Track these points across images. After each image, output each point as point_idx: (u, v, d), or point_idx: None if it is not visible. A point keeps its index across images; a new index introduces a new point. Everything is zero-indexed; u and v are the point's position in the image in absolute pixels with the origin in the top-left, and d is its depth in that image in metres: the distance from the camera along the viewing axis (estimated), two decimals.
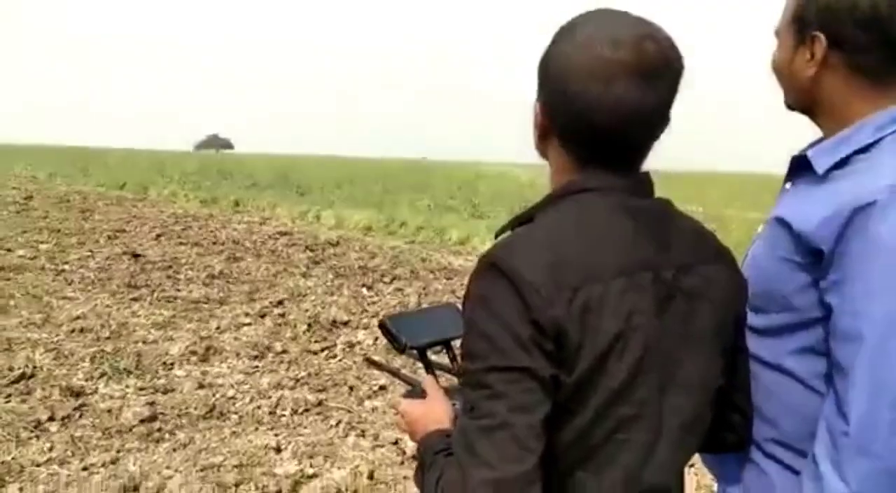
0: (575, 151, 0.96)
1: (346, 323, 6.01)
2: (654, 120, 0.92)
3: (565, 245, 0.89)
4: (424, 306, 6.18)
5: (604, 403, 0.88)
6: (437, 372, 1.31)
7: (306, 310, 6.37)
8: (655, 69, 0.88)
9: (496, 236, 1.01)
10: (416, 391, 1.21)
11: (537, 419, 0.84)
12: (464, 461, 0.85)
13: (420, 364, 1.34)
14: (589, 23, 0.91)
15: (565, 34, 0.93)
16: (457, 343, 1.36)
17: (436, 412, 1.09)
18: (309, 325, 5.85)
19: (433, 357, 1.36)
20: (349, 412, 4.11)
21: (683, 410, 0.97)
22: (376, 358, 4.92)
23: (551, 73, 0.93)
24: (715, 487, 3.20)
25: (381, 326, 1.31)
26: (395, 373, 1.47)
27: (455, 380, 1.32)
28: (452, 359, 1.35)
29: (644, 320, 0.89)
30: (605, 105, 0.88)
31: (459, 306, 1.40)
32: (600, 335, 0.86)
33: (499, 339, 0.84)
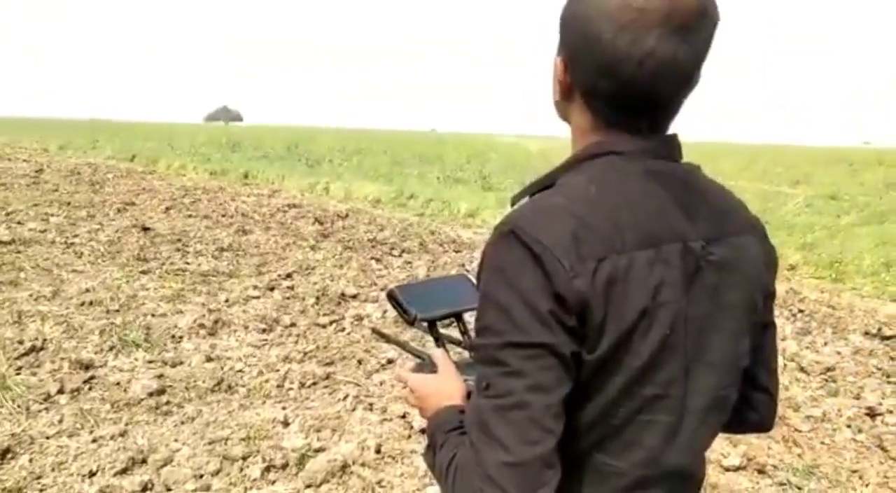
0: (599, 110, 0.90)
1: (354, 296, 6.00)
2: (687, 75, 0.85)
3: (589, 212, 0.83)
4: (436, 275, 6.13)
5: (627, 382, 0.84)
6: (448, 346, 1.27)
7: (315, 283, 6.37)
8: (690, 20, 0.81)
9: (513, 203, 0.95)
10: (425, 365, 1.16)
11: (556, 398, 0.80)
12: (478, 441, 0.81)
13: (428, 337, 1.29)
14: None
15: None
16: (468, 316, 1.32)
17: (447, 387, 1.04)
18: (317, 298, 5.85)
19: (442, 330, 1.32)
20: (357, 385, 4.11)
21: (709, 389, 0.92)
22: (384, 330, 4.91)
23: (575, 24, 0.86)
24: (726, 461, 3.18)
25: (390, 296, 1.26)
26: (403, 346, 1.43)
27: (466, 354, 1.28)
28: (464, 332, 1.31)
29: (671, 294, 0.84)
30: (634, 58, 0.81)
31: (472, 277, 1.36)
32: (626, 310, 0.81)
33: (517, 312, 0.79)
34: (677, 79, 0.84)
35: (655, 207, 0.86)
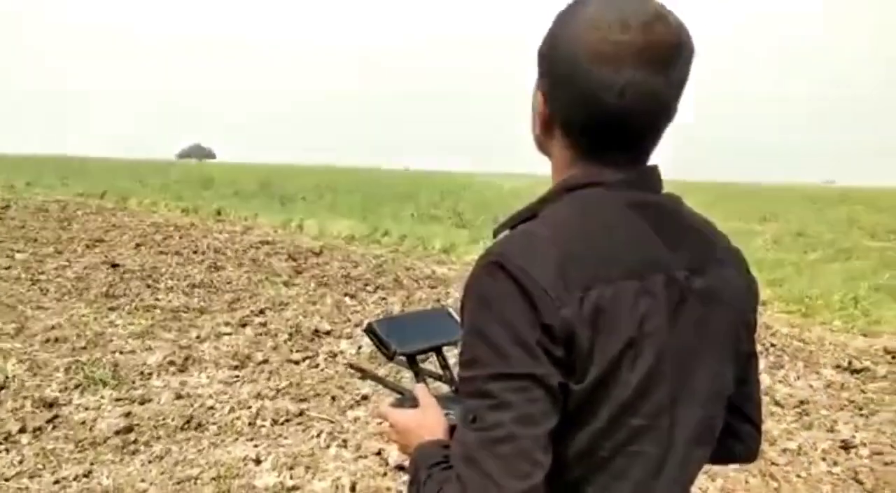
0: (579, 142, 0.90)
1: (328, 332, 5.93)
2: (665, 106, 0.86)
3: (573, 243, 0.82)
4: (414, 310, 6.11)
5: (614, 413, 0.82)
6: (427, 380, 1.25)
7: (288, 319, 6.28)
8: (667, 52, 0.82)
9: (495, 235, 0.94)
10: (405, 400, 1.13)
11: (544, 430, 0.78)
12: (465, 475, 0.78)
13: (405, 372, 1.26)
14: (592, 3, 0.85)
15: (568, 16, 0.87)
16: (448, 350, 1.30)
17: (429, 421, 1.01)
18: (290, 334, 5.76)
19: (421, 365, 1.30)
20: (331, 422, 4.03)
21: (695, 420, 0.91)
22: (360, 365, 4.85)
23: (555, 57, 0.87)
24: None
25: (369, 330, 1.23)
26: (381, 381, 1.40)
27: (445, 388, 1.26)
28: (443, 366, 1.28)
29: (657, 325, 0.83)
30: (613, 89, 0.82)
31: (450, 310, 1.34)
32: (612, 341, 0.80)
33: (503, 344, 0.78)
34: (656, 110, 0.85)
35: (638, 238, 0.86)
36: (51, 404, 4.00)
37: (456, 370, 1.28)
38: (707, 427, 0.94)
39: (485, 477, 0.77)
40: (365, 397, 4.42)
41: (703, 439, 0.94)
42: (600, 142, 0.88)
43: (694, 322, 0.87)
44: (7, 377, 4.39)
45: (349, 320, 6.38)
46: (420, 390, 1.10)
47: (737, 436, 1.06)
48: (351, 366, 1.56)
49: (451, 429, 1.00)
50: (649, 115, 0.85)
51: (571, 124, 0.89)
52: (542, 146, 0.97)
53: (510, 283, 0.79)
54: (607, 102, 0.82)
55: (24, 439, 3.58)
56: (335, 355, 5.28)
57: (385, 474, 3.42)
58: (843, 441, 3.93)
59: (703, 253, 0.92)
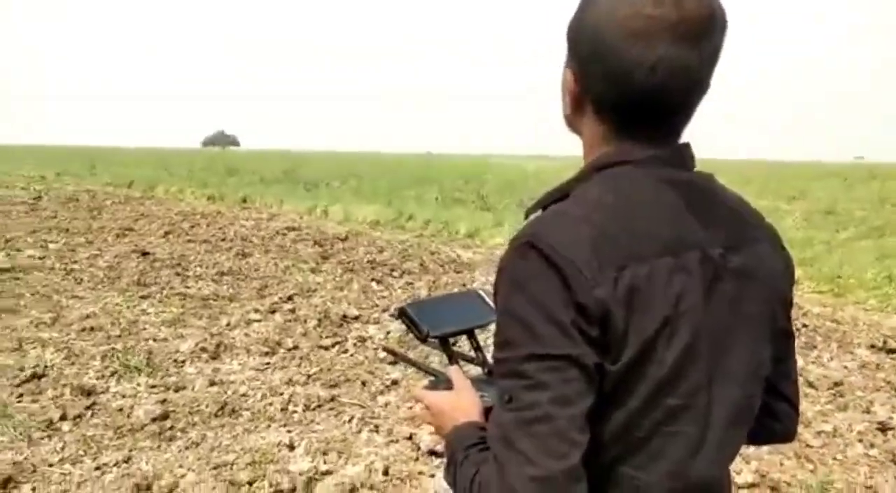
0: (611, 120, 0.89)
1: (356, 318, 5.97)
2: (698, 81, 0.84)
3: (606, 222, 0.81)
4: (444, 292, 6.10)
5: (651, 393, 0.82)
6: (460, 362, 1.25)
7: (316, 305, 6.33)
8: (700, 26, 0.81)
9: (526, 216, 0.94)
10: (439, 382, 1.14)
11: (580, 410, 0.78)
12: (502, 456, 0.79)
13: (438, 353, 1.27)
14: None
15: None
16: (480, 332, 1.30)
17: (464, 403, 1.02)
18: (319, 320, 5.81)
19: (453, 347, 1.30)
20: (362, 407, 4.07)
21: (732, 399, 0.90)
22: (394, 348, 4.89)
23: (585, 34, 0.86)
24: (739, 478, 3.15)
25: (402, 313, 1.24)
26: (415, 363, 1.40)
27: (477, 370, 1.27)
28: (476, 348, 1.29)
29: (692, 303, 0.82)
30: (645, 65, 0.81)
31: (481, 292, 1.34)
32: (648, 319, 0.79)
33: (538, 325, 0.78)
34: (689, 85, 0.84)
35: (672, 216, 0.85)
36: (89, 392, 4.09)
37: (488, 353, 1.28)
38: (745, 407, 0.93)
39: (521, 457, 0.77)
40: (395, 383, 4.45)
41: (741, 418, 0.93)
42: (632, 119, 0.87)
43: (729, 300, 0.86)
44: (46, 366, 4.49)
45: (377, 306, 6.41)
46: (454, 372, 1.10)
47: (774, 415, 1.05)
48: (385, 349, 1.58)
49: (486, 411, 1.00)
50: (682, 90, 0.84)
51: (603, 102, 0.88)
52: (573, 125, 0.96)
53: (543, 263, 0.79)
54: (639, 80, 0.81)
55: (66, 426, 3.66)
56: (364, 341, 5.32)
57: (417, 458, 3.45)
58: (879, 423, 3.87)
59: (738, 230, 0.90)
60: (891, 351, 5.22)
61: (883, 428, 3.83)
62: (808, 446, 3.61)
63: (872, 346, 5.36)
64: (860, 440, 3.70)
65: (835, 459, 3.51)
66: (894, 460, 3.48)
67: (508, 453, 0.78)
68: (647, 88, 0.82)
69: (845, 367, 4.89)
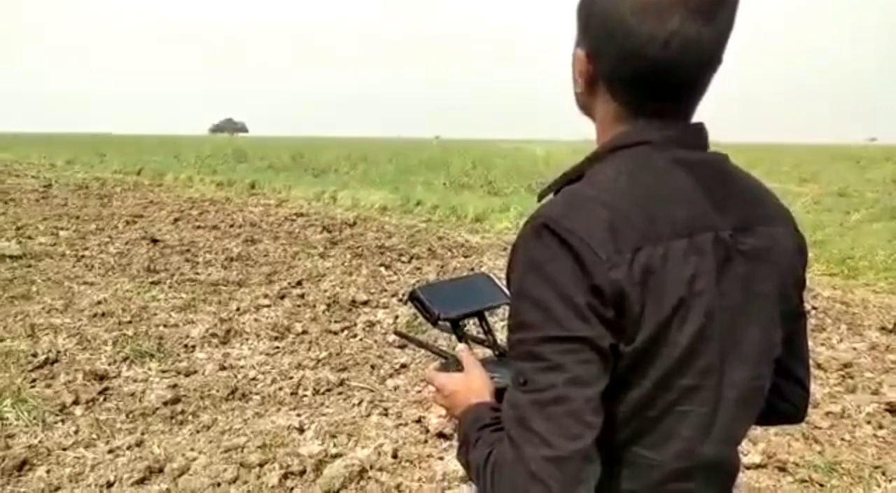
0: (625, 99, 0.88)
1: (365, 303, 5.99)
2: (711, 55, 0.84)
3: (622, 203, 0.81)
4: (454, 276, 6.08)
5: (664, 374, 0.82)
6: (472, 344, 1.26)
7: (325, 290, 6.36)
8: (712, 1, 0.81)
9: (540, 198, 0.94)
10: (451, 364, 1.15)
11: (595, 392, 0.79)
12: (517, 437, 0.79)
13: (445, 337, 1.28)
14: None
15: None
16: (490, 314, 1.31)
17: (476, 384, 1.03)
18: (328, 305, 5.84)
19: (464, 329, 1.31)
20: (371, 390, 4.10)
21: (743, 380, 0.90)
22: (405, 332, 4.92)
23: (597, 11, 0.86)
24: (746, 459, 3.15)
25: (413, 296, 1.25)
26: (426, 345, 1.42)
27: (487, 352, 1.28)
28: (486, 331, 1.30)
29: (706, 284, 0.82)
30: (659, 39, 0.80)
31: (491, 275, 1.35)
32: (663, 301, 0.80)
33: (554, 307, 0.78)
34: (702, 59, 0.83)
35: (686, 197, 0.85)
36: (101, 377, 4.13)
37: (498, 335, 1.28)
38: (755, 387, 0.93)
39: (537, 438, 0.77)
40: (404, 366, 4.48)
41: (752, 399, 0.94)
42: (646, 96, 0.86)
43: (741, 282, 0.86)
44: (59, 351, 4.54)
45: (385, 290, 6.44)
46: (465, 353, 1.11)
47: (784, 396, 1.05)
48: (396, 333, 1.60)
49: (497, 392, 1.01)
50: (695, 65, 0.84)
51: (616, 80, 0.88)
52: (586, 106, 0.96)
53: (558, 244, 0.79)
54: (652, 55, 0.81)
55: (78, 410, 3.71)
56: (373, 325, 5.34)
57: (426, 441, 3.47)
58: (888, 404, 3.87)
59: (751, 212, 0.90)
60: None
61: (892, 409, 3.82)
62: (816, 427, 3.62)
63: (882, 328, 5.34)
64: (868, 422, 3.70)
65: (842, 440, 3.51)
66: None
67: (524, 434, 0.79)
68: (661, 63, 0.82)
69: (854, 349, 4.88)
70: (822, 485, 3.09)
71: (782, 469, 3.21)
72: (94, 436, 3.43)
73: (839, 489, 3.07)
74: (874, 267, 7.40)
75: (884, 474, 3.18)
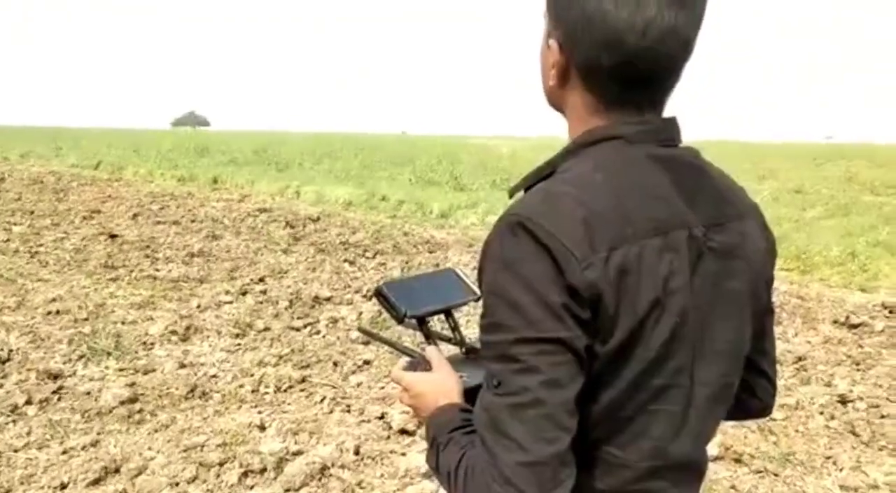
0: (599, 90, 0.87)
1: (328, 299, 5.95)
2: (686, 42, 0.83)
3: (597, 200, 0.79)
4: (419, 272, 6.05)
5: (638, 373, 0.81)
6: (437, 343, 1.24)
7: (288, 287, 6.30)
8: None
9: (511, 195, 0.92)
10: (418, 363, 1.11)
11: (571, 394, 0.77)
12: (491, 441, 0.78)
13: (410, 334, 1.26)
14: None
15: None
16: (457, 310, 1.29)
17: (444, 385, 1.00)
18: (291, 301, 5.79)
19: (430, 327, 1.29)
20: (334, 387, 4.07)
21: (714, 378, 0.90)
22: (370, 329, 4.90)
23: (571, 1, 0.84)
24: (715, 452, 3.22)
25: (378, 293, 1.21)
26: (390, 343, 1.38)
27: (454, 350, 1.26)
28: (453, 328, 1.28)
29: (680, 283, 0.81)
30: (637, 27, 0.79)
31: (458, 271, 1.32)
32: (638, 301, 0.78)
33: (528, 307, 0.76)
34: (677, 47, 0.82)
35: (661, 194, 0.84)
36: (55, 376, 4.03)
37: (465, 331, 1.27)
38: (726, 385, 0.93)
39: (512, 443, 0.76)
40: (367, 363, 4.46)
41: (722, 397, 0.93)
42: (622, 86, 0.85)
43: (712, 279, 0.86)
44: (11, 350, 4.41)
45: (349, 287, 6.40)
46: (433, 352, 1.08)
47: (752, 392, 1.05)
48: (360, 330, 1.54)
49: (466, 392, 0.99)
50: (671, 52, 0.83)
51: (593, 70, 0.85)
52: (557, 99, 0.93)
53: (533, 243, 0.77)
54: (632, 42, 0.80)
55: (31, 411, 3.61)
56: (336, 322, 5.31)
57: (388, 437, 3.46)
58: (840, 396, 3.98)
59: (722, 208, 0.90)
60: (852, 326, 5.35)
61: (843, 401, 3.93)
62: (771, 419, 3.70)
63: (835, 321, 5.49)
64: (821, 413, 3.80)
65: (797, 431, 3.60)
66: (853, 431, 3.58)
67: (497, 438, 0.77)
68: (639, 51, 0.80)
69: (809, 342, 5.01)
70: (776, 475, 3.17)
71: (738, 461, 3.28)
72: (47, 437, 3.35)
73: (793, 478, 3.15)
74: (829, 262, 7.61)
75: (835, 463, 3.27)
